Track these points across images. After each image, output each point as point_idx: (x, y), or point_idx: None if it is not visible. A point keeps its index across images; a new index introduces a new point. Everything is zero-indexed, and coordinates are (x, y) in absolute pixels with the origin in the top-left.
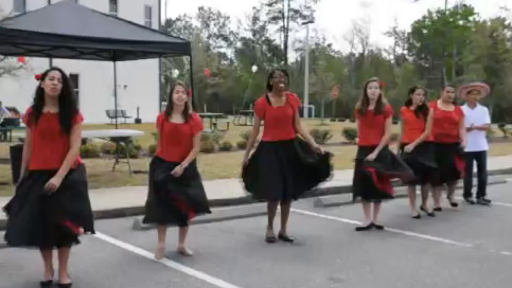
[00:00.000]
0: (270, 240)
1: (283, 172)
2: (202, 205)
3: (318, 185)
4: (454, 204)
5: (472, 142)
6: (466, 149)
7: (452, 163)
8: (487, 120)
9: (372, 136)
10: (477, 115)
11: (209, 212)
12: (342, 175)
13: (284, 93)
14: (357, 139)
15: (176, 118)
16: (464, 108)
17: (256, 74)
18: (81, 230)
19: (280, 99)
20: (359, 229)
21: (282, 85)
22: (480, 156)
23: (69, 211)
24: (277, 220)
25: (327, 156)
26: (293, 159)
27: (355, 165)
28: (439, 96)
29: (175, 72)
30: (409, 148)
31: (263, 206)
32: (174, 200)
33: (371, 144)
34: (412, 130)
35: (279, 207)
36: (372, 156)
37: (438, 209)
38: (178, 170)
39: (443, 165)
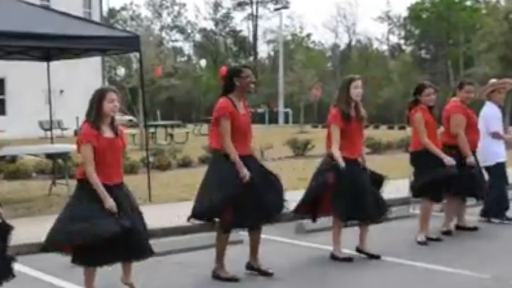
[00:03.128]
0: (232, 279)
1: (255, 193)
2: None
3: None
4: (475, 228)
5: (499, 151)
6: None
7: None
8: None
9: (357, 147)
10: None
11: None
12: None
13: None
14: (334, 149)
15: (107, 132)
16: (494, 108)
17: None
18: None
19: (240, 104)
20: (343, 259)
21: (253, 86)
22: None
23: None
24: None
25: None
26: (262, 178)
27: (340, 183)
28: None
29: (121, 71)
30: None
31: (231, 234)
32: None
33: (355, 157)
34: (432, 135)
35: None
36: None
37: (448, 232)
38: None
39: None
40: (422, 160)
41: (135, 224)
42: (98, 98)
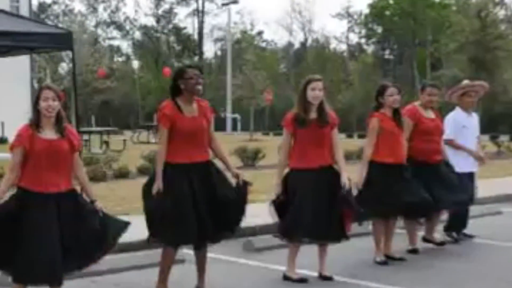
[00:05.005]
0: None
1: (198, 207)
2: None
3: (238, 225)
4: (441, 243)
5: (457, 161)
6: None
7: (455, 189)
8: (478, 131)
9: (315, 156)
10: (474, 124)
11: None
12: None
13: (195, 99)
14: (280, 157)
15: (49, 133)
16: (459, 113)
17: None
18: None
19: (192, 106)
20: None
21: (199, 87)
22: (467, 179)
23: None
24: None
25: (244, 186)
26: (210, 189)
27: (292, 196)
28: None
29: (62, 68)
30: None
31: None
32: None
33: (314, 167)
34: (394, 144)
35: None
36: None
37: (414, 251)
38: (99, 206)
39: (437, 194)
40: (369, 172)
41: (70, 242)
42: (36, 97)
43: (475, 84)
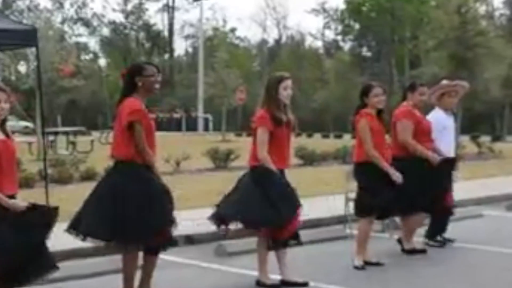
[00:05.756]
0: None
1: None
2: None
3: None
4: (423, 250)
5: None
6: None
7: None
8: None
9: (288, 155)
10: (452, 125)
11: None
12: None
13: None
14: (262, 155)
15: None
16: (439, 114)
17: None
18: None
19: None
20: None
21: (158, 86)
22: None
23: None
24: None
25: None
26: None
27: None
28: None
29: (23, 65)
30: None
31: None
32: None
33: (287, 167)
34: (381, 143)
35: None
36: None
37: (410, 251)
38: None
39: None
40: (368, 173)
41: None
42: None
43: (455, 84)
